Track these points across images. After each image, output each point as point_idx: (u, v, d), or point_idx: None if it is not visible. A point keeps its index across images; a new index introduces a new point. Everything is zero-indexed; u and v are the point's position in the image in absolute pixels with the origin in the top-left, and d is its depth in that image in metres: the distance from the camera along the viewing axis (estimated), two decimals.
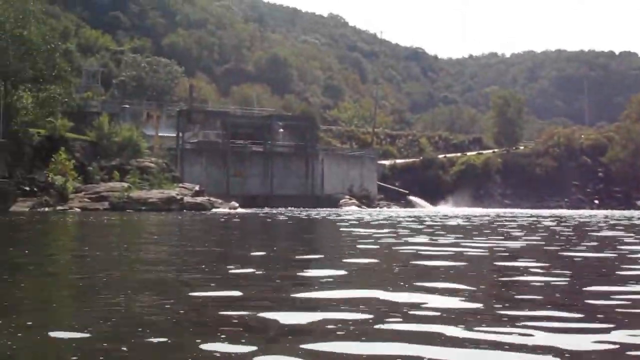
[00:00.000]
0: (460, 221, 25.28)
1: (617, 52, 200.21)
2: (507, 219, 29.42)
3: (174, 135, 65.55)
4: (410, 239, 12.61)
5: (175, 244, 12.34)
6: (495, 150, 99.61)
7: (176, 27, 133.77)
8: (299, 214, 35.58)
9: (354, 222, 24.20)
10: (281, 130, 77.72)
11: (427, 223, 22.69)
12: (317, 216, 31.87)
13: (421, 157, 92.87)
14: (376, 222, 23.76)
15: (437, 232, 15.72)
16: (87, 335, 3.53)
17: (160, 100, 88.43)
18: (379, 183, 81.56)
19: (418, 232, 15.93)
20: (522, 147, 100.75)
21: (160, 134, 66.83)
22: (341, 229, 18.16)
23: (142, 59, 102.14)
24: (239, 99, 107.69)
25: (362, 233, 15.41)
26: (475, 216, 33.77)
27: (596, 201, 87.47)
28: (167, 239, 14.26)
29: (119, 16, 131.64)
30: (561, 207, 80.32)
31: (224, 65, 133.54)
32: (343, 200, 67.29)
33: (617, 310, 4.53)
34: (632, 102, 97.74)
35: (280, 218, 28.50)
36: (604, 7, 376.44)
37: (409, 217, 31.38)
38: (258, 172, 68.35)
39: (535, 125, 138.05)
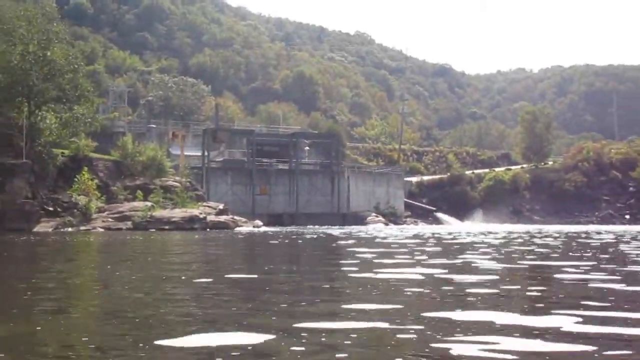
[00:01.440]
0: (515, 241, 24.35)
1: None
2: (565, 237, 28.74)
3: (200, 154, 65.63)
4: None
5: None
6: (524, 165, 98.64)
7: (203, 47, 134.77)
8: (317, 233, 35.22)
9: (373, 241, 23.82)
10: (307, 148, 77.58)
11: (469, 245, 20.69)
12: (338, 234, 31.51)
13: (448, 174, 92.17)
14: (396, 241, 23.35)
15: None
16: None
17: (187, 120, 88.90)
18: (406, 200, 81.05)
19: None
20: (551, 163, 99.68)
21: (186, 153, 66.97)
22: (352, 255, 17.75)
23: (169, 79, 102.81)
24: (266, 117, 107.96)
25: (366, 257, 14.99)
26: (516, 234, 33.14)
27: (627, 216, 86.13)
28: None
29: (147, 37, 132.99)
30: (592, 223, 79.14)
31: (251, 84, 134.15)
32: (370, 218, 66.84)
33: None
34: None
35: (292, 237, 28.17)
36: (632, 21, 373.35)
37: (434, 236, 30.92)
38: (283, 190, 68.14)
39: (564, 140, 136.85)
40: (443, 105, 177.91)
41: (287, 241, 22.62)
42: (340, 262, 12.23)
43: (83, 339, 4.22)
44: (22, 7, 37.98)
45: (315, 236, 27.94)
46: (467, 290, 6.73)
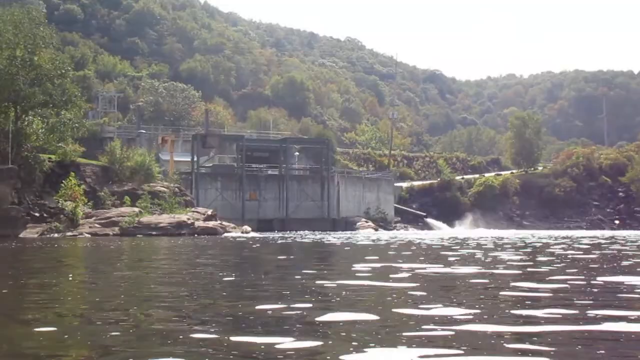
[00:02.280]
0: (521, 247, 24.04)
1: (635, 72, 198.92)
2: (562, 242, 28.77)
3: (190, 159, 65.48)
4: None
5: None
6: (514, 171, 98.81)
7: (193, 53, 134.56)
8: (302, 238, 35.16)
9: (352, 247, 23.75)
10: (297, 153, 77.53)
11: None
12: (323, 240, 31.44)
13: (439, 179, 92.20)
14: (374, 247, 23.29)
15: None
16: None
17: (177, 125, 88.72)
18: (396, 205, 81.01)
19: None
20: (540, 168, 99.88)
21: (176, 159, 66.85)
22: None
23: (160, 84, 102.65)
24: (256, 123, 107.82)
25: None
26: (509, 239, 33.11)
27: (617, 221, 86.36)
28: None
29: (137, 42, 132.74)
30: (581, 228, 79.29)
31: (241, 90, 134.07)
32: (359, 223, 66.70)
33: None
34: None
35: (280, 242, 28.09)
36: (622, 27, 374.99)
37: (423, 240, 30.89)
38: (273, 196, 68.02)
39: (554, 145, 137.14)
40: (434, 111, 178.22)
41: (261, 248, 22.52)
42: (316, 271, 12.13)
43: None
44: (8, 12, 37.76)
45: (289, 241, 27.85)
46: None
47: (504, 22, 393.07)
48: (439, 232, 58.86)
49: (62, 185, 36.86)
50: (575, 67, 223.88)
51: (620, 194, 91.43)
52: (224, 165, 70.88)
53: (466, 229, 72.74)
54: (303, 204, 68.87)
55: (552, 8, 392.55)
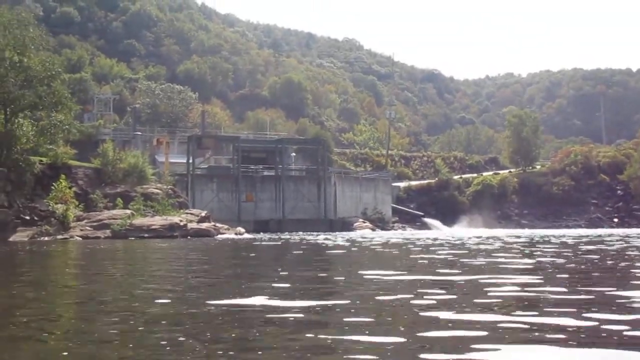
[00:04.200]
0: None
1: (634, 69, 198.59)
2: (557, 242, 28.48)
3: (186, 161, 65.15)
4: None
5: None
6: (512, 170, 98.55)
7: (191, 54, 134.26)
8: (295, 239, 34.88)
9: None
10: (293, 154, 77.32)
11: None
12: (316, 241, 31.15)
13: (436, 179, 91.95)
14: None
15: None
16: None
17: (175, 127, 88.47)
18: (394, 205, 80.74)
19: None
20: (539, 166, 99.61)
21: (172, 160, 66.63)
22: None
23: (157, 86, 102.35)
24: (254, 124, 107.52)
25: None
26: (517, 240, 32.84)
27: (615, 219, 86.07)
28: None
29: (134, 44, 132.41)
30: (580, 227, 79.07)
31: (239, 91, 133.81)
32: (357, 224, 66.42)
33: None
34: None
35: (266, 243, 27.81)
36: (620, 25, 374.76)
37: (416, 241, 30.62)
38: (270, 197, 67.71)
39: (553, 144, 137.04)
40: (432, 111, 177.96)
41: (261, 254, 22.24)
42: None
43: None
44: None
45: (277, 243, 27.57)
46: None
47: (502, 21, 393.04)
48: (436, 232, 58.53)
49: (53, 188, 36.51)
50: (573, 66, 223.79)
51: (619, 192, 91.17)
52: (219, 166, 70.60)
53: (464, 229, 72.44)
54: (300, 204, 68.56)
55: (550, 7, 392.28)
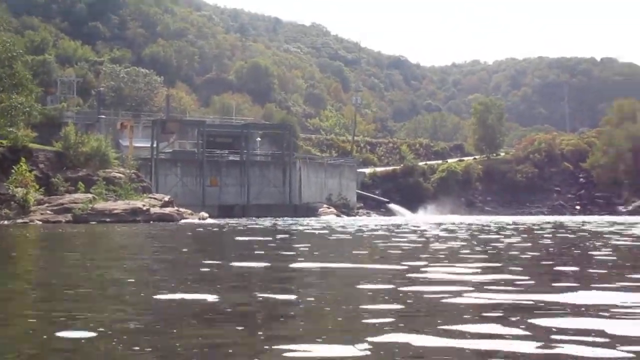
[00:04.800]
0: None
1: (598, 59, 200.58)
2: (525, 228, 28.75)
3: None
4: None
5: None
6: (476, 157, 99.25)
7: (156, 38, 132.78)
8: (253, 224, 34.89)
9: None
10: (259, 139, 77.07)
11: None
12: (267, 225, 31.17)
13: (402, 165, 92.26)
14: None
15: None
16: None
17: (140, 111, 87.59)
18: (359, 191, 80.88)
19: None
20: (503, 154, 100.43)
21: (136, 145, 65.89)
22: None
23: (121, 69, 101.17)
24: (220, 108, 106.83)
25: None
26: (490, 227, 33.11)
27: (577, 207, 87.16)
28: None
29: (99, 27, 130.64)
30: (542, 214, 79.92)
31: (205, 75, 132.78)
32: (321, 210, 66.40)
33: None
34: (613, 107, 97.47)
35: (221, 229, 27.75)
36: (585, 14, 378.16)
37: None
38: (234, 182, 67.44)
39: (518, 132, 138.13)
40: (398, 97, 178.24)
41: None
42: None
43: None
44: None
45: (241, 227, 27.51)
46: None
47: (469, 8, 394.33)
48: (401, 219, 58.78)
49: (13, 171, 36.02)
50: (539, 54, 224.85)
51: (581, 179, 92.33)
52: (184, 151, 70.12)
53: (428, 215, 72.89)
54: (265, 190, 68.41)
55: None
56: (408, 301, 5.25)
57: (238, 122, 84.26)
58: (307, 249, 13.31)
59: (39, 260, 11.54)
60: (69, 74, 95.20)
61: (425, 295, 5.55)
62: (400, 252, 11.66)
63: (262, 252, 12.40)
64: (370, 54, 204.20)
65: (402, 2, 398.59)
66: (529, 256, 10.78)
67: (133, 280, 7.34)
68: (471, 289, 5.97)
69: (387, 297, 5.49)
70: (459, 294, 5.59)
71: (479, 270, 7.79)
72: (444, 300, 5.21)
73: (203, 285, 6.80)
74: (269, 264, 9.16)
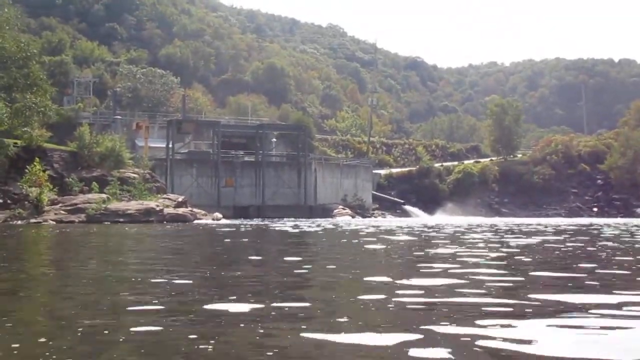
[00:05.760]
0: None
1: (616, 60, 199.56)
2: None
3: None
4: None
5: None
6: (493, 158, 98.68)
7: (173, 38, 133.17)
8: (263, 225, 34.65)
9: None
10: (274, 139, 76.89)
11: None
12: (282, 228, 30.92)
13: (418, 166, 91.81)
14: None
15: None
16: None
17: (156, 111, 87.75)
18: (374, 192, 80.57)
19: None
20: (520, 155, 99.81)
21: (152, 145, 65.88)
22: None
23: (138, 70, 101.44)
24: (235, 109, 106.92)
25: None
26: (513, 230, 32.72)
27: (595, 209, 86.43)
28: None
29: (116, 28, 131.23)
30: (559, 216, 79.33)
31: (221, 76, 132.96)
32: (337, 210, 66.17)
33: None
34: (631, 109, 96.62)
35: (227, 230, 27.55)
36: (602, 15, 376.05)
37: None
38: (249, 183, 67.27)
39: (535, 133, 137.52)
40: (415, 99, 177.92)
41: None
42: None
43: None
44: None
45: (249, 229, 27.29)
46: None
47: (485, 10, 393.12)
48: (417, 220, 58.47)
49: (27, 171, 36.03)
50: (556, 55, 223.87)
51: (599, 181, 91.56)
52: (199, 151, 70.02)
53: (443, 217, 72.47)
54: (280, 190, 68.20)
55: None
56: None
57: (253, 123, 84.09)
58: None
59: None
60: (86, 74, 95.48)
61: None
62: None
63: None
64: (387, 55, 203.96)
65: (419, 3, 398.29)
66: None
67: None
68: None
69: None
70: None
71: None
72: None
73: None
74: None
